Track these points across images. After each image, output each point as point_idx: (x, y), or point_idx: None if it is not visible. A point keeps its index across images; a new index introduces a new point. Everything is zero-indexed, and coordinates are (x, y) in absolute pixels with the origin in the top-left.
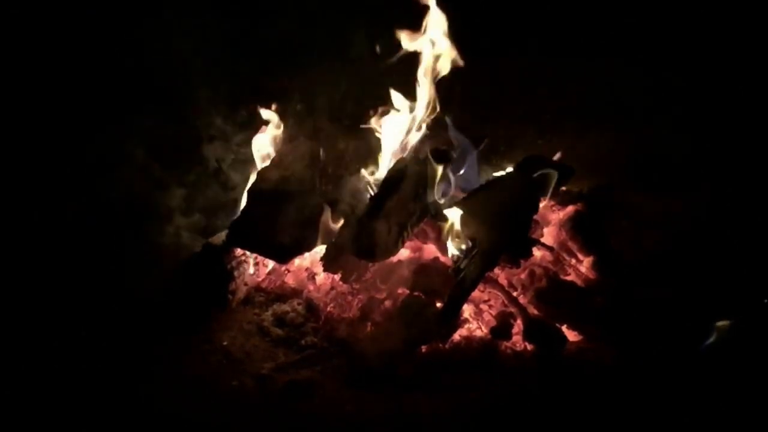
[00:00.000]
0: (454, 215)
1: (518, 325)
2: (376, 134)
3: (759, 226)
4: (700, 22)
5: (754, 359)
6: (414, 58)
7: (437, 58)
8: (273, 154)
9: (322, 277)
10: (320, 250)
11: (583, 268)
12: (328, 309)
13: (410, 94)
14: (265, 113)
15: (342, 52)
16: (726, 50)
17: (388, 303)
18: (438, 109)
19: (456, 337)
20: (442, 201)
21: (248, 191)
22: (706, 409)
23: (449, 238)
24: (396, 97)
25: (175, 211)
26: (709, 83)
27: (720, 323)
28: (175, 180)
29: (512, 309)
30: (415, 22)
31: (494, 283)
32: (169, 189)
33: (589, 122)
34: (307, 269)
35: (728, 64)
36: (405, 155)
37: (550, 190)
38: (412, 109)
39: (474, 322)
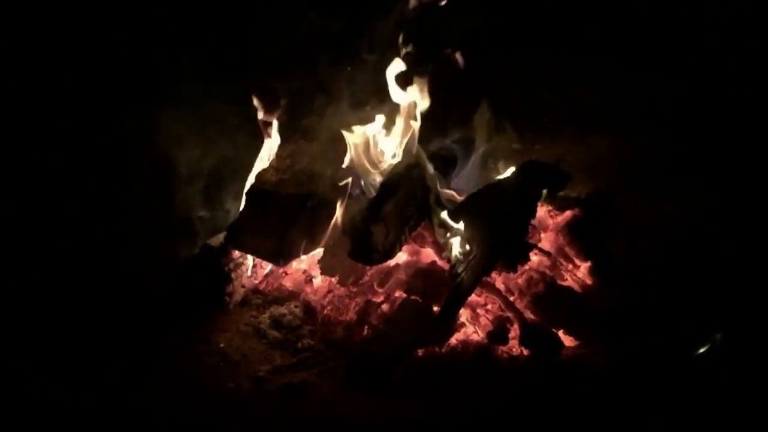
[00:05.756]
0: (453, 220)
1: (515, 330)
2: (375, 136)
3: (755, 232)
4: (697, 27)
5: (748, 365)
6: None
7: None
8: (271, 156)
9: (319, 280)
10: (318, 253)
11: (580, 274)
12: (325, 312)
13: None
14: (265, 115)
15: (340, 52)
16: (722, 56)
17: (385, 306)
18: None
19: (453, 340)
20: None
21: (246, 193)
22: (700, 414)
23: (447, 242)
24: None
25: (174, 211)
26: (706, 89)
27: (715, 334)
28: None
29: (509, 313)
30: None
31: (491, 287)
32: (167, 190)
33: (587, 127)
34: (304, 272)
35: (724, 70)
36: (403, 159)
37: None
38: (409, 111)
39: (471, 326)
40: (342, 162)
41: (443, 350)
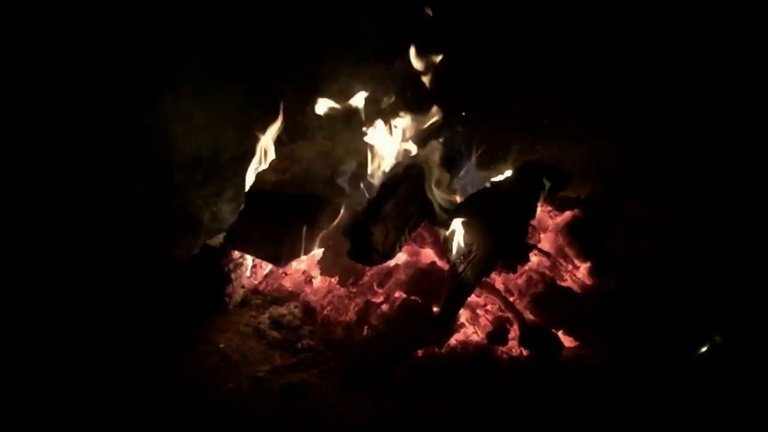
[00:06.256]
0: (452, 220)
1: (514, 330)
2: (374, 137)
3: (755, 232)
4: (697, 27)
5: (748, 365)
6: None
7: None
8: (271, 156)
9: (319, 280)
10: (318, 253)
11: (579, 274)
12: (325, 312)
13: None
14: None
15: (342, 53)
16: (721, 56)
17: (385, 307)
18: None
19: (452, 341)
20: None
21: (246, 194)
22: (700, 414)
23: (447, 243)
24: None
25: (174, 208)
26: (706, 89)
27: (716, 336)
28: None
29: (509, 314)
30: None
31: (491, 288)
32: (167, 188)
33: (587, 127)
34: (304, 272)
35: (724, 69)
36: (403, 159)
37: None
38: (409, 112)
39: (470, 327)
40: (341, 162)
41: (443, 351)
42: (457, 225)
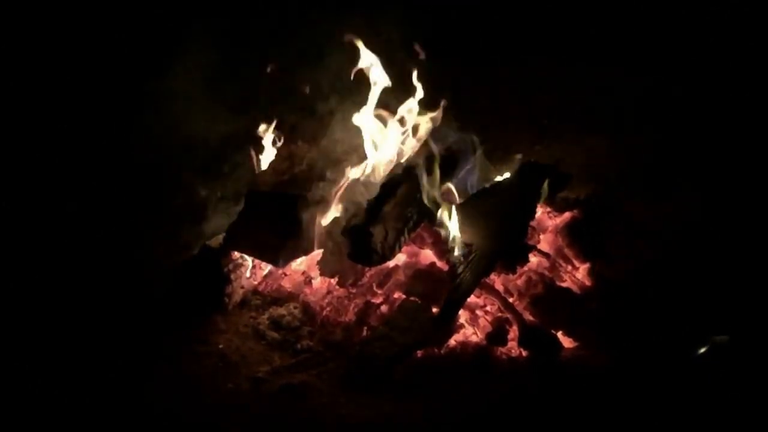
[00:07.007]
0: (451, 220)
1: (514, 331)
2: (374, 138)
3: (755, 232)
4: (697, 27)
5: (748, 365)
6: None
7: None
8: (272, 157)
9: (318, 281)
10: (318, 253)
11: (579, 275)
12: (325, 313)
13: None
14: (264, 116)
15: (340, 53)
16: (722, 56)
17: (384, 307)
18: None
19: (451, 342)
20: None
21: (246, 195)
22: (700, 414)
23: (447, 243)
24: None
25: (174, 212)
26: (706, 89)
27: (718, 337)
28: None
29: (508, 315)
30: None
31: (490, 288)
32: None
33: (587, 128)
34: (303, 273)
35: (724, 70)
36: (402, 160)
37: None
38: (408, 113)
39: (470, 328)
40: (341, 162)
41: (442, 351)
42: (456, 225)
